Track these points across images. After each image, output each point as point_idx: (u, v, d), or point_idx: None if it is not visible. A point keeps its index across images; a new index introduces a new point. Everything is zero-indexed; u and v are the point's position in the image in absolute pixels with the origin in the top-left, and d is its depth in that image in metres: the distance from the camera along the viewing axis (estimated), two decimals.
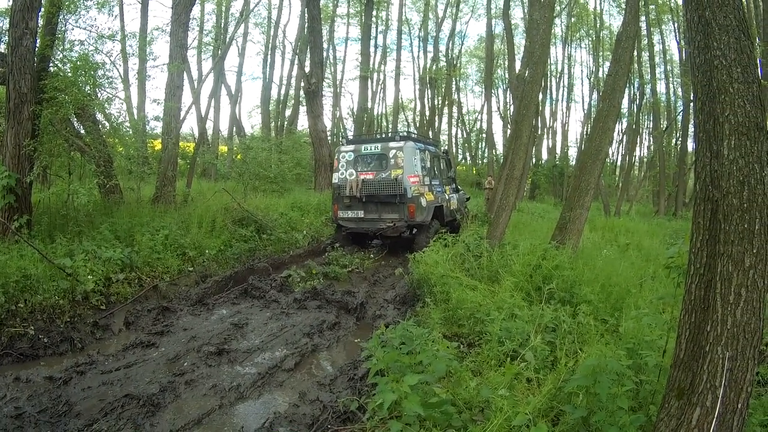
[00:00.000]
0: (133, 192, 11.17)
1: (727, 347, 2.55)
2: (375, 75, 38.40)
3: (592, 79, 39.14)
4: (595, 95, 37.91)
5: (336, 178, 12.05)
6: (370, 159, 11.71)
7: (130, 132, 11.12)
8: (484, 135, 46.97)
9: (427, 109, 41.60)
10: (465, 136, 49.43)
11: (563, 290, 6.20)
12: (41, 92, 8.28)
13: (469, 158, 49.71)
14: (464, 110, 49.54)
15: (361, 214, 11.63)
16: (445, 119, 46.20)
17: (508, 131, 34.98)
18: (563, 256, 7.30)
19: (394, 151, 11.31)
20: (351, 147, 12.00)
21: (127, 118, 12.22)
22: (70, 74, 8.99)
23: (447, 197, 13.27)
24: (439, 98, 42.40)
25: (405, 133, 12.43)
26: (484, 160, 46.27)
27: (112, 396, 4.47)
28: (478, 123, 49.09)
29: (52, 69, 9.04)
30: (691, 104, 26.73)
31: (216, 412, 4.33)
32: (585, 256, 8.24)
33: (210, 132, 26.41)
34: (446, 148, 31.74)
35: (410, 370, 3.84)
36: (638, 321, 4.60)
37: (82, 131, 9.88)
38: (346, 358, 5.71)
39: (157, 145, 12.95)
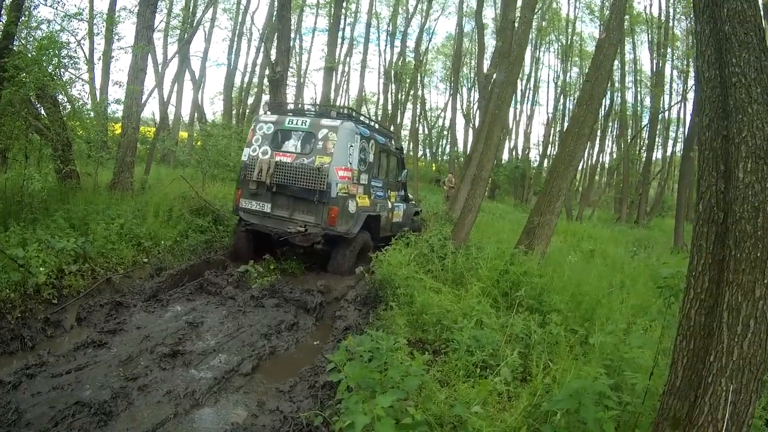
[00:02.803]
0: (90, 177, 10.58)
1: (731, 379, 2.45)
2: (340, 67, 38.08)
3: (558, 83, 39.79)
4: (562, 99, 38.81)
5: (246, 154, 9.07)
6: (294, 136, 8.79)
7: (92, 115, 10.58)
8: (446, 132, 47.39)
9: (390, 103, 41.51)
10: (427, 132, 49.68)
11: (532, 298, 6.14)
12: (3, 71, 7.75)
13: (429, 154, 49.96)
14: (427, 106, 49.68)
15: (267, 207, 8.78)
16: (407, 114, 46.21)
17: (470, 129, 35.20)
18: (532, 262, 7.24)
19: (325, 131, 8.45)
20: (273, 117, 9.11)
21: (89, 101, 11.68)
22: (34, 53, 8.47)
23: (390, 206, 10.52)
24: (403, 93, 42.39)
25: (346, 111, 9.37)
26: (445, 157, 46.65)
27: (63, 403, 4.14)
28: (440, 120, 49.50)
29: (15, 47, 8.50)
30: (660, 115, 27.72)
31: (171, 422, 4.12)
32: (552, 262, 8.18)
33: (171, 117, 25.63)
34: (401, 144, 30.87)
35: (380, 386, 3.66)
36: (616, 335, 4.55)
37: (42, 113, 9.31)
38: (306, 363, 5.49)
39: (117, 129, 12.42)
